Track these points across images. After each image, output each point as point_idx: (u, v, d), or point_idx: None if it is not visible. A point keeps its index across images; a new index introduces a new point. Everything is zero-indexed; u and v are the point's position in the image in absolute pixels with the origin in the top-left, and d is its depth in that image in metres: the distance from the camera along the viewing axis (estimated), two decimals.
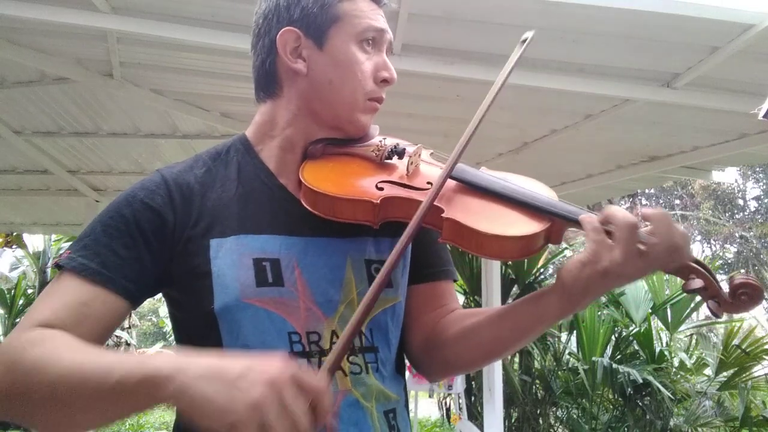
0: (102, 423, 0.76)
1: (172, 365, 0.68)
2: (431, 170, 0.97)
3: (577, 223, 0.86)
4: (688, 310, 5.77)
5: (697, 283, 0.84)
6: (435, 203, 0.88)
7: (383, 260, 0.95)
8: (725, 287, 0.84)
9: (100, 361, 0.73)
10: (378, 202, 0.89)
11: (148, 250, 0.88)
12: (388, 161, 0.97)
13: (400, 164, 0.97)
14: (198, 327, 0.89)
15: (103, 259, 0.85)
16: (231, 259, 0.88)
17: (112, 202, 0.92)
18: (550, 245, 0.92)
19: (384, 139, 1.01)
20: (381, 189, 0.91)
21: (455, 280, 1.09)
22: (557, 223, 0.87)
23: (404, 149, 0.98)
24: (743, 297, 0.83)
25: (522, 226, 0.86)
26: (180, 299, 0.93)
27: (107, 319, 0.85)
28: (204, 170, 0.96)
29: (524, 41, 0.96)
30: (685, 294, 0.87)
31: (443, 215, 0.87)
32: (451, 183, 0.93)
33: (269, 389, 0.65)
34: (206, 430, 0.66)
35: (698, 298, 0.89)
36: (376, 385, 0.92)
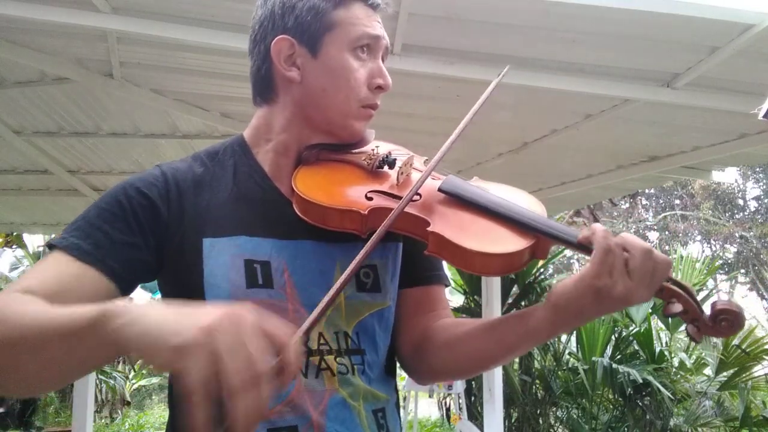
0: (67, 372, 0.73)
1: (133, 305, 0.65)
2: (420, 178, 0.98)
3: (562, 241, 0.87)
4: None
5: (677, 307, 0.84)
6: (421, 216, 0.89)
7: (373, 264, 0.98)
8: (707, 311, 0.84)
9: (67, 308, 0.71)
10: (366, 213, 0.90)
11: (141, 237, 0.88)
12: (380, 170, 0.98)
13: (392, 173, 0.98)
14: None
15: (95, 240, 0.86)
16: (223, 260, 0.89)
17: (110, 189, 0.92)
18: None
19: (377, 146, 1.02)
20: (370, 199, 0.92)
21: (447, 285, 1.10)
22: (542, 241, 0.88)
23: (395, 159, 0.99)
24: (723, 323, 0.83)
25: (507, 243, 0.86)
26: (172, 296, 0.94)
27: (92, 297, 0.83)
28: (202, 170, 0.97)
29: (500, 75, 0.97)
30: None
31: (429, 229, 0.87)
32: (438, 196, 0.93)
33: (226, 319, 0.59)
34: (158, 367, 0.61)
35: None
36: (362, 385, 0.93)
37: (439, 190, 0.94)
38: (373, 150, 1.00)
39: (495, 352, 0.94)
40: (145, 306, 0.65)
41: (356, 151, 1.00)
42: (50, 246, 0.87)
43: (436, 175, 0.97)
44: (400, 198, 0.92)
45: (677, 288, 0.84)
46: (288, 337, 0.63)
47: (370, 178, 0.97)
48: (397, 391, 1.03)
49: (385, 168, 0.98)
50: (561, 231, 0.87)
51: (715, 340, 6.32)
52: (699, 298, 0.86)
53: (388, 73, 1.00)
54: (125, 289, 0.88)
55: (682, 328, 5.97)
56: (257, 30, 0.99)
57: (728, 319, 0.82)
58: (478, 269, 0.88)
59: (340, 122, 0.98)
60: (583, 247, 0.84)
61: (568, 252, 6.91)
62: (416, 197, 0.92)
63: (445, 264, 1.05)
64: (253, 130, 1.02)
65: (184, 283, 0.90)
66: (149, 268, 0.90)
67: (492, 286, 4.58)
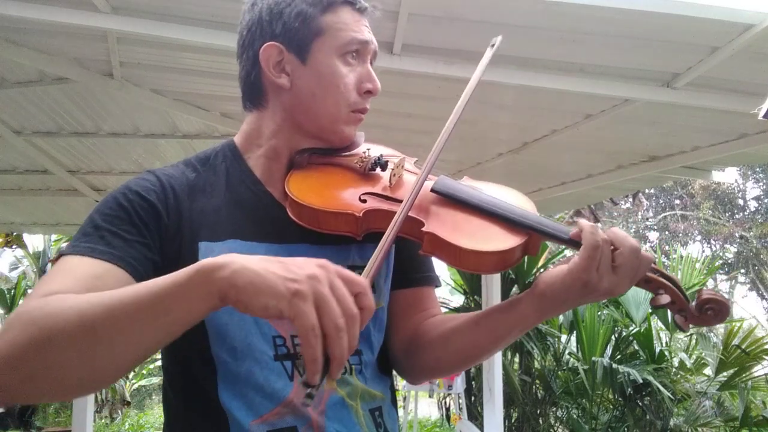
0: (148, 346, 0.69)
1: (225, 255, 0.68)
2: (414, 180, 0.99)
3: (554, 238, 0.89)
4: None
5: (665, 298, 0.86)
6: (415, 216, 0.91)
7: (365, 266, 0.97)
8: (693, 301, 0.87)
9: (134, 286, 0.69)
10: (360, 215, 0.91)
11: (150, 237, 0.88)
12: (372, 172, 0.99)
13: (384, 175, 0.99)
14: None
15: (109, 241, 0.84)
16: None
17: (107, 196, 0.91)
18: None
19: (369, 149, 1.03)
20: (364, 201, 0.94)
21: (437, 286, 1.11)
22: (534, 237, 0.90)
23: (387, 161, 1.00)
24: (709, 312, 0.86)
25: (500, 240, 0.89)
26: None
27: None
28: (194, 175, 0.98)
29: (493, 45, 0.99)
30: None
31: (423, 229, 0.89)
32: (431, 196, 0.95)
33: (321, 269, 0.67)
34: (260, 311, 0.65)
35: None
36: (359, 385, 0.94)
37: (432, 190, 0.95)
38: (364, 152, 1.01)
39: (486, 344, 0.96)
40: (236, 256, 0.68)
41: (347, 154, 1.02)
42: (62, 255, 0.84)
43: (429, 176, 0.98)
44: (393, 200, 0.94)
45: (664, 280, 0.87)
46: (365, 282, 0.70)
47: (363, 180, 0.98)
48: (393, 388, 1.04)
49: (378, 170, 0.99)
50: (551, 228, 0.89)
51: (715, 339, 6.33)
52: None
53: (376, 77, 1.00)
54: None
55: None
56: (245, 35, 0.99)
57: (714, 309, 0.86)
58: (473, 267, 0.90)
59: (330, 127, 0.99)
60: (574, 242, 0.86)
61: (568, 252, 6.90)
62: None
63: (445, 264, 1.06)
64: (244, 135, 1.03)
65: None
66: (157, 267, 0.89)
67: (492, 286, 4.58)
